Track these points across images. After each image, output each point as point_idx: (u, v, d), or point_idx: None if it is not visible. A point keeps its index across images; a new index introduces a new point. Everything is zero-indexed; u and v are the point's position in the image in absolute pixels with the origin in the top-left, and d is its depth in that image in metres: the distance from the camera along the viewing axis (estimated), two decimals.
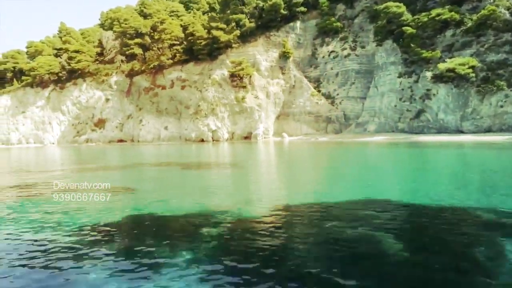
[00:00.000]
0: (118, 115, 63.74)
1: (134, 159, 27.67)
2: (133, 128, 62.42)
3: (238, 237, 6.38)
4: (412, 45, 44.14)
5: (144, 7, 71.57)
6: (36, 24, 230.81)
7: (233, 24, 57.53)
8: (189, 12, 73.26)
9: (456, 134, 38.13)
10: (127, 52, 64.58)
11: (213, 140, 54.02)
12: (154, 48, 63.07)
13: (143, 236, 6.63)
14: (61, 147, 57.13)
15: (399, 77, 45.59)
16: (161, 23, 63.77)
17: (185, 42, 61.28)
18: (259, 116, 53.61)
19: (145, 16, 69.17)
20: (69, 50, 65.08)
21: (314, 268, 4.87)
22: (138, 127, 61.60)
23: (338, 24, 55.95)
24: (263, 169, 19.01)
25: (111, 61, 66.59)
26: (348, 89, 53.30)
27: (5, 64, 70.33)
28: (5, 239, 6.57)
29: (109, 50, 67.78)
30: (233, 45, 57.54)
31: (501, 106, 36.86)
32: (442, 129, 40.47)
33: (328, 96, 54.63)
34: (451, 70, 38.91)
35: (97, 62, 67.04)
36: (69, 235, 6.57)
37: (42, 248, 5.91)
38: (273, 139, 53.50)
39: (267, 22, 58.44)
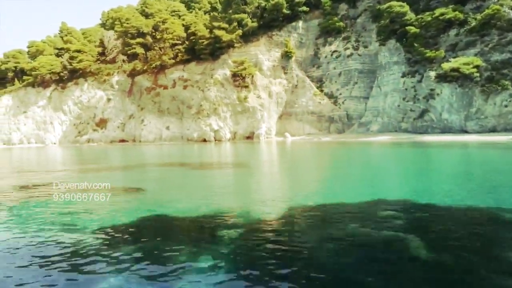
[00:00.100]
0: (120, 115, 63.55)
1: (137, 159, 27.51)
2: (134, 128, 62.20)
3: (255, 239, 6.21)
4: (415, 44, 44.00)
5: (146, 7, 71.37)
6: (37, 24, 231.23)
7: (235, 23, 57.41)
8: (191, 12, 73.12)
9: (460, 134, 37.92)
10: (128, 52, 64.44)
11: (215, 140, 53.84)
12: (155, 47, 62.87)
13: (160, 238, 6.47)
14: (63, 147, 56.97)
15: (402, 76, 45.44)
16: (163, 22, 63.66)
17: (187, 42, 61.16)
18: (261, 116, 53.44)
19: (146, 15, 68.99)
20: (70, 50, 65.04)
21: (335, 270, 4.81)
22: (139, 127, 61.39)
23: (341, 23, 55.85)
24: (269, 169, 18.84)
25: (113, 61, 66.42)
26: (351, 88, 53.11)
27: (7, 64, 70.27)
28: (11, 238, 6.41)
29: (110, 49, 67.60)
30: (235, 45, 57.44)
31: (506, 106, 36.67)
32: (446, 129, 40.28)
33: (330, 96, 54.46)
34: (455, 70, 38.75)
35: (98, 61, 66.87)
36: (78, 238, 6.40)
37: (63, 250, 5.75)
38: (275, 139, 53.30)
39: (269, 22, 58.37)
